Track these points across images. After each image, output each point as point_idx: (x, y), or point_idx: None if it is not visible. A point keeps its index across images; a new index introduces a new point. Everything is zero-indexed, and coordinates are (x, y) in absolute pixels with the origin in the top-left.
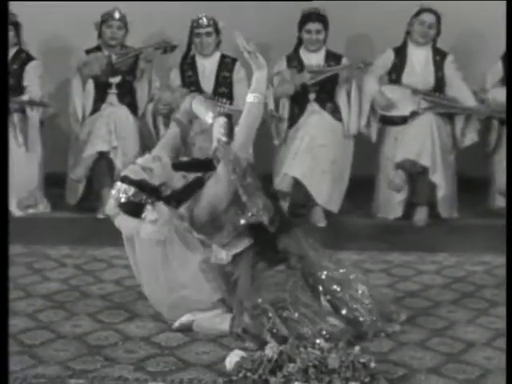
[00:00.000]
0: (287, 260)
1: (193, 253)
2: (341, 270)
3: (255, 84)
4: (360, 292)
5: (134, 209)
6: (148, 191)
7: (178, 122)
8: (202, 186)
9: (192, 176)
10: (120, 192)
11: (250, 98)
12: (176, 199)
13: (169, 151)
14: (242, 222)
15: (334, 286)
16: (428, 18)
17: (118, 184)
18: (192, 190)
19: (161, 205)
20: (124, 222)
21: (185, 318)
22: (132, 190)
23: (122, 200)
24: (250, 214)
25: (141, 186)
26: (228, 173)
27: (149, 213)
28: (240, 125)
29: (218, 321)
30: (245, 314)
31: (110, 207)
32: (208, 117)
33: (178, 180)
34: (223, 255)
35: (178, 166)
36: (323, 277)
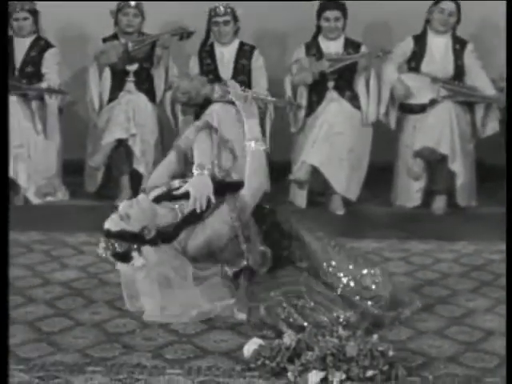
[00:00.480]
0: (293, 261)
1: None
2: (350, 267)
3: (250, 132)
4: (373, 288)
5: (123, 257)
6: (129, 239)
7: (177, 149)
8: (199, 220)
9: (180, 208)
10: (105, 248)
11: (251, 145)
12: (165, 237)
13: (167, 178)
14: (235, 269)
15: (343, 279)
16: (448, 5)
17: (102, 240)
18: (186, 224)
19: (146, 249)
20: (120, 267)
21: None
22: (116, 243)
23: (109, 254)
24: (245, 262)
25: (121, 236)
26: (232, 218)
27: (135, 260)
28: (248, 174)
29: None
30: (260, 305)
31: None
32: (194, 167)
33: (165, 216)
34: (241, 316)
35: (159, 199)
36: (330, 269)
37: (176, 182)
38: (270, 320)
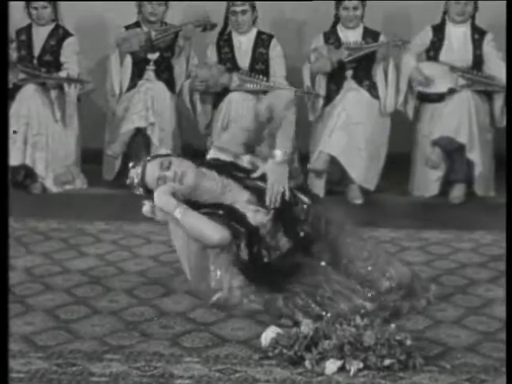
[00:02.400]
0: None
1: None
2: (369, 268)
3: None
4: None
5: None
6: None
7: (257, 118)
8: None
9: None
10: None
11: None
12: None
13: (239, 146)
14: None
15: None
16: None
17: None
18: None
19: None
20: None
21: (221, 294)
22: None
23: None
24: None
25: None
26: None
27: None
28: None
29: (252, 298)
30: (278, 296)
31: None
32: (277, 151)
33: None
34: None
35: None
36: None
37: (245, 159)
38: (287, 311)
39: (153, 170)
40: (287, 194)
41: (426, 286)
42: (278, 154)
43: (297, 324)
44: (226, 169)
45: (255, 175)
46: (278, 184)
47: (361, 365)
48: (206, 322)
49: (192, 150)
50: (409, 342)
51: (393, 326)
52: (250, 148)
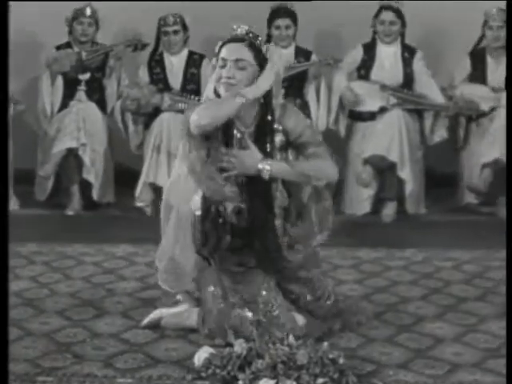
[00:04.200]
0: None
1: None
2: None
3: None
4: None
5: None
6: None
7: None
8: None
9: None
10: None
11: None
12: None
13: None
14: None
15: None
16: (387, 16)
17: None
18: None
19: None
20: None
21: (153, 315)
22: None
23: None
24: None
25: None
26: None
27: None
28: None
29: (186, 316)
30: (211, 313)
31: None
32: None
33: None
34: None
35: None
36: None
37: None
38: (219, 331)
39: None
40: None
41: (359, 305)
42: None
43: (230, 344)
44: None
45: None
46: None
47: None
48: (138, 343)
49: (125, 170)
50: (342, 361)
51: (326, 344)
52: None
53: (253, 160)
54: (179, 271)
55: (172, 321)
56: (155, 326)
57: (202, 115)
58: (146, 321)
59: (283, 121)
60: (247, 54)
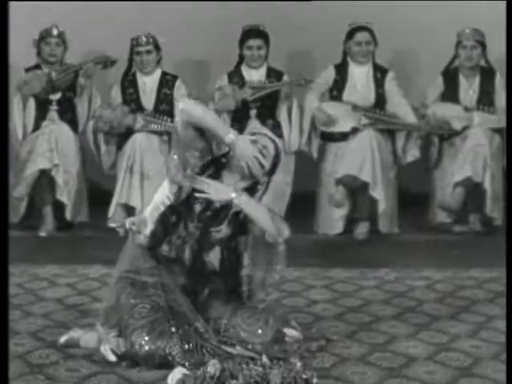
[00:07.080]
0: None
1: None
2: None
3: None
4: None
5: None
6: None
7: None
8: None
9: None
10: None
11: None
12: None
13: None
14: None
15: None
16: (363, 36)
17: None
18: None
19: None
20: None
21: (72, 333)
22: None
23: None
24: None
25: None
26: None
27: None
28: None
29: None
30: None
31: None
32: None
33: None
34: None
35: None
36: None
37: None
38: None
39: None
40: None
41: (323, 325)
42: None
43: (203, 364)
44: None
45: None
46: None
47: None
48: (112, 365)
49: (98, 190)
50: (315, 381)
51: (299, 364)
52: None
53: (227, 189)
54: None
55: (89, 342)
56: (72, 345)
57: None
58: (63, 339)
59: None
60: None
